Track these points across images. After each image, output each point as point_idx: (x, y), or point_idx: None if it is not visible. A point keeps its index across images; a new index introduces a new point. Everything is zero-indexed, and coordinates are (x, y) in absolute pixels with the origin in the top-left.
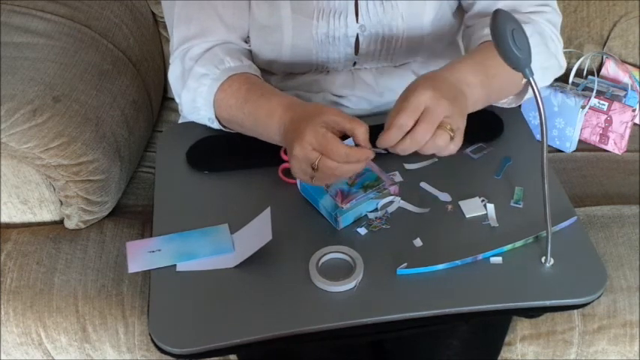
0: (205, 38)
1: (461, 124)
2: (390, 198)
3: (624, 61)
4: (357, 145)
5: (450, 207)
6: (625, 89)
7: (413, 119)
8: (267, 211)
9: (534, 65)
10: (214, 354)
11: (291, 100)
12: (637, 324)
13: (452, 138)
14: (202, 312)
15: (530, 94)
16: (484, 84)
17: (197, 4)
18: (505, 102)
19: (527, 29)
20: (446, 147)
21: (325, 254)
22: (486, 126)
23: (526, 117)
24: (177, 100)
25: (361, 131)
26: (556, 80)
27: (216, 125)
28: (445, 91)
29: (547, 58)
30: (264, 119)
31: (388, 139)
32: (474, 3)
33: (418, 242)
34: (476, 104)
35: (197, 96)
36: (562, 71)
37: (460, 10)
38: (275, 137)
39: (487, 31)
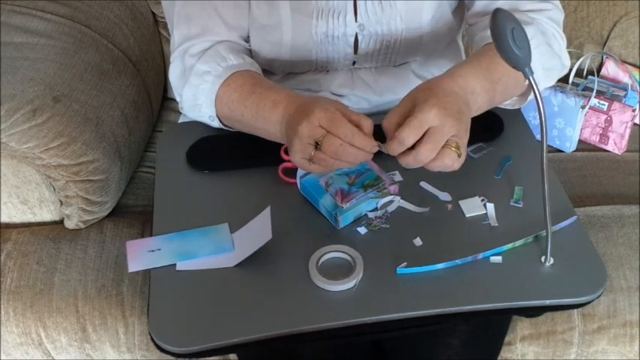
0: (206, 38)
1: (465, 140)
2: (390, 197)
3: (624, 61)
4: None
5: (449, 206)
6: (625, 89)
7: (415, 136)
8: (267, 211)
9: (537, 66)
10: (214, 353)
11: (298, 93)
12: (637, 324)
13: (459, 155)
14: (202, 311)
15: (532, 94)
16: (488, 90)
17: (197, 3)
18: (508, 103)
19: (530, 30)
20: (452, 165)
21: (325, 253)
22: (486, 126)
23: (526, 117)
24: (177, 98)
25: (367, 124)
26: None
27: (216, 123)
28: (450, 107)
29: (550, 58)
30: (267, 109)
31: (390, 150)
32: (474, 2)
33: (418, 241)
34: (479, 110)
35: (199, 93)
36: (566, 70)
37: (460, 10)
38: (273, 129)
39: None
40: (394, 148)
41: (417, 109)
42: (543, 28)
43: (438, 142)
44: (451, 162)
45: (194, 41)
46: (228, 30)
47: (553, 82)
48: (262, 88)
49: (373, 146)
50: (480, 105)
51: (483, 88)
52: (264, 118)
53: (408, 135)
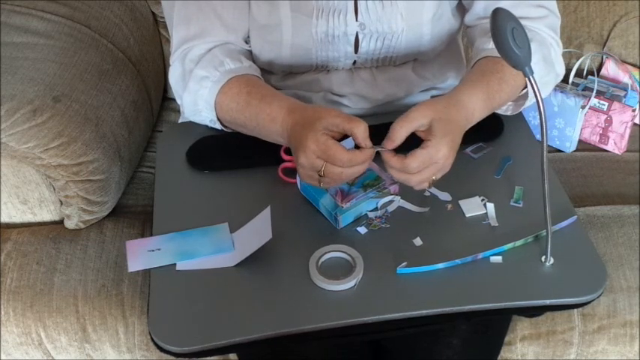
0: (205, 39)
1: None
2: (390, 197)
3: (624, 61)
4: (356, 144)
5: (449, 206)
6: (625, 89)
7: (421, 167)
8: (267, 210)
9: None
10: (214, 353)
11: (291, 103)
12: (637, 324)
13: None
14: (202, 311)
15: (529, 101)
16: (485, 108)
17: (196, 4)
18: (504, 109)
19: (532, 46)
20: (419, 186)
21: (325, 253)
22: (486, 126)
23: (526, 117)
24: (178, 101)
25: (360, 130)
26: None
27: (218, 126)
28: (456, 142)
29: (546, 73)
30: (266, 124)
31: (391, 171)
32: (473, 3)
33: (418, 241)
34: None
35: (198, 98)
36: (559, 79)
37: (460, 9)
38: (280, 139)
39: (487, 38)
40: (396, 175)
41: (431, 144)
42: (542, 38)
43: (434, 174)
44: (420, 187)
45: (193, 43)
46: (227, 31)
47: (546, 95)
48: (256, 99)
49: (371, 155)
50: (475, 121)
51: (481, 108)
52: (267, 130)
53: (417, 167)
